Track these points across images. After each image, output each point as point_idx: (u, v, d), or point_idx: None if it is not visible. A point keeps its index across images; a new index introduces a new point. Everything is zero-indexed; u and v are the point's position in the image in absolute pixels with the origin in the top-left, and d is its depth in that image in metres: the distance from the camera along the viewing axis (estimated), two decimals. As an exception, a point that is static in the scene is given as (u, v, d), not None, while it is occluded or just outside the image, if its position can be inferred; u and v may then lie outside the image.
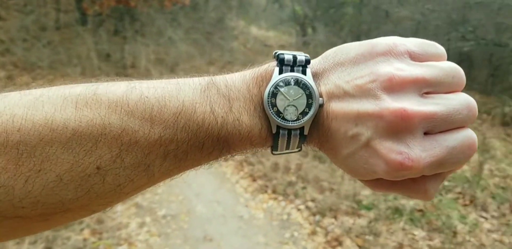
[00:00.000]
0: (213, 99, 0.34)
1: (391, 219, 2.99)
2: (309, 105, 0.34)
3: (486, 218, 3.03)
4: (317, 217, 3.07)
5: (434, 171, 0.33)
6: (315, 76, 0.36)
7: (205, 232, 2.85)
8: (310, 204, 3.24)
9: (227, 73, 0.37)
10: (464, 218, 3.00)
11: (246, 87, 0.35)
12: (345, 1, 8.17)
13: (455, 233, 2.80)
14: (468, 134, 0.33)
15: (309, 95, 0.34)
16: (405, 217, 2.98)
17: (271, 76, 0.35)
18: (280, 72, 0.35)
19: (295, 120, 0.34)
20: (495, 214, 3.07)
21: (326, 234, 2.87)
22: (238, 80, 0.36)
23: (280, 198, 3.36)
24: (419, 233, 2.83)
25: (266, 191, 3.47)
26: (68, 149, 0.30)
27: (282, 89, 0.35)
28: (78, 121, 0.30)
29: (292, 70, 0.35)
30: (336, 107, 0.34)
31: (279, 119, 0.34)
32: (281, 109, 0.34)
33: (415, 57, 0.34)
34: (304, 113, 0.34)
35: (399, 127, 0.31)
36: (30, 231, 0.34)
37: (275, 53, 0.37)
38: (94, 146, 0.30)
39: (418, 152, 0.31)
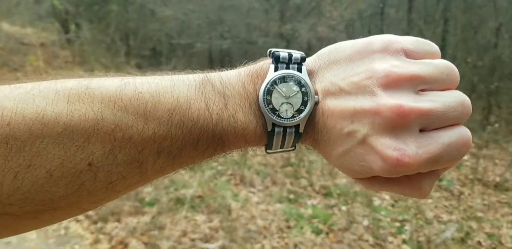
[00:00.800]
0: (208, 95, 0.33)
1: (174, 210, 3.09)
2: (304, 103, 0.34)
3: (254, 193, 3.48)
4: (99, 224, 2.90)
5: (430, 168, 0.33)
6: (310, 73, 0.36)
7: (-46, 273, 2.32)
8: (90, 212, 3.03)
9: (222, 70, 0.36)
10: (236, 196, 3.36)
11: (241, 84, 0.35)
12: (109, -2, 7.88)
13: (230, 211, 3.11)
14: (463, 131, 0.33)
15: (305, 93, 0.34)
16: (186, 205, 3.13)
17: (266, 73, 0.35)
18: (276, 69, 0.35)
19: (291, 118, 0.34)
20: (261, 187, 3.56)
21: (111, 239, 2.74)
22: (233, 77, 0.35)
23: (55, 212, 3.03)
24: (200, 217, 3.03)
25: (36, 208, 3.07)
26: (59, 144, 0.29)
27: (277, 87, 0.34)
28: (70, 116, 0.29)
29: (287, 68, 0.35)
30: (331, 104, 0.34)
31: (275, 116, 0.34)
32: (276, 107, 0.34)
33: (410, 55, 0.34)
34: (299, 111, 0.34)
35: (396, 123, 0.31)
36: (18, 230, 0.33)
37: (270, 50, 0.36)
38: (86, 142, 0.30)
39: (414, 148, 0.31)
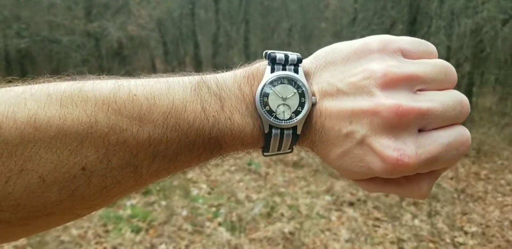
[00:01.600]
0: (204, 98, 0.33)
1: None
2: (301, 104, 0.34)
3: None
4: None
5: (429, 168, 0.33)
6: (307, 75, 0.35)
7: None
8: None
9: (217, 72, 0.36)
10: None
11: (237, 86, 0.34)
12: None
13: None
14: (462, 131, 0.33)
15: (302, 94, 0.34)
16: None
17: (262, 75, 0.35)
18: (272, 70, 0.35)
19: (288, 119, 0.34)
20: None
21: None
22: (229, 79, 0.35)
23: None
24: None
25: None
26: (52, 149, 0.28)
27: (274, 88, 0.34)
28: (63, 119, 0.29)
29: (284, 69, 0.35)
30: (329, 105, 0.33)
31: (272, 118, 0.33)
32: (273, 108, 0.33)
33: (407, 55, 0.34)
34: (297, 112, 0.34)
35: (394, 123, 0.31)
36: (10, 237, 0.32)
37: (266, 52, 0.36)
38: (79, 146, 0.29)
39: (413, 148, 0.31)
